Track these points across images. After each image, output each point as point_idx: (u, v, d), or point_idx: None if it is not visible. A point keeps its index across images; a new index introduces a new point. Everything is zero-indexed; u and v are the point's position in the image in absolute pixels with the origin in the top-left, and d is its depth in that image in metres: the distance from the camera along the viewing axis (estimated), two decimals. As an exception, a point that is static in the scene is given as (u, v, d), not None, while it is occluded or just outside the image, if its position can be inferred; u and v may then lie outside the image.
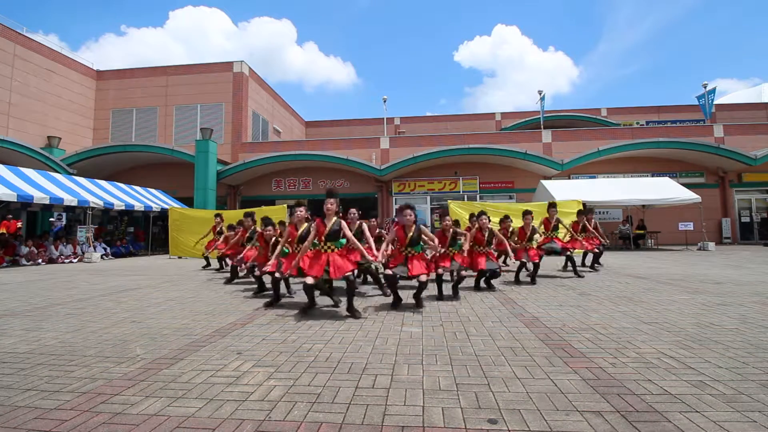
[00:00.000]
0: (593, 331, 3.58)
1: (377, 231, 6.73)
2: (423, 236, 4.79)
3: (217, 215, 9.95)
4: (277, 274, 5.00)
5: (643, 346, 3.11)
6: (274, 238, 5.83)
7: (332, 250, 4.37)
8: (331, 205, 4.38)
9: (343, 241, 4.49)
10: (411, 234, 4.72)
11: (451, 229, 5.71)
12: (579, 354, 2.96)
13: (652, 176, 17.24)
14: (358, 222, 5.79)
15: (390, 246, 5.13)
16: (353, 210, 5.96)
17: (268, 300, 5.12)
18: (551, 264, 9.15)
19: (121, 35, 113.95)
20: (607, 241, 9.14)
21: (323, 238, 4.37)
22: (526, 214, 7.02)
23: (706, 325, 3.72)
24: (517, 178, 18.91)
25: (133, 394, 2.33)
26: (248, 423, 1.98)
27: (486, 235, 5.93)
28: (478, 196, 18.86)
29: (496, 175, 19.02)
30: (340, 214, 4.73)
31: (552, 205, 7.97)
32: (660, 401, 2.15)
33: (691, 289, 5.77)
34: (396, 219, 5.27)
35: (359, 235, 5.71)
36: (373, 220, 7.01)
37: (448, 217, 5.78)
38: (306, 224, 5.00)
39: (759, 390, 2.27)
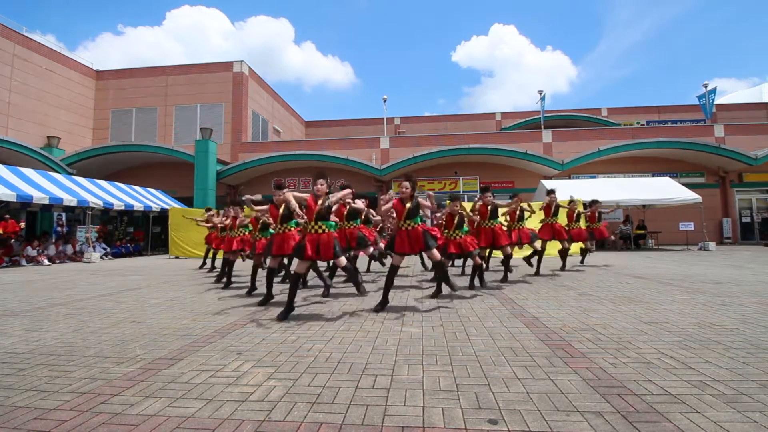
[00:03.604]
0: (593, 332, 3.58)
1: (366, 210, 6.79)
2: (421, 208, 4.76)
3: (208, 209, 9.96)
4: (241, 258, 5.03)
5: (643, 347, 3.11)
6: (264, 218, 5.89)
7: (323, 231, 4.29)
8: (321, 185, 4.34)
9: (333, 224, 4.45)
10: (409, 206, 4.64)
11: (458, 214, 5.70)
12: (579, 354, 2.95)
13: (653, 176, 17.23)
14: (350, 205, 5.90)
15: (388, 219, 5.20)
16: (348, 190, 5.95)
17: (260, 299, 5.10)
18: (551, 263, 9.14)
19: (119, 34, 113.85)
20: (611, 237, 9.27)
21: (313, 216, 4.29)
22: (513, 196, 7.15)
23: (706, 326, 3.72)
24: (517, 178, 18.90)
25: (133, 395, 2.33)
26: (248, 423, 1.97)
27: (490, 209, 6.27)
28: (478, 197, 18.86)
29: (497, 175, 19.01)
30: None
31: (551, 191, 7.95)
32: (660, 401, 2.14)
33: (691, 289, 5.76)
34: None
35: (353, 214, 5.85)
36: (365, 200, 6.95)
37: (456, 202, 5.77)
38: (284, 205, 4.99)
39: (759, 390, 2.26)
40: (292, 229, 4.97)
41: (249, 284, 5.83)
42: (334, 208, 4.39)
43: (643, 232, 16.41)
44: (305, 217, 4.38)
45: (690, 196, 13.93)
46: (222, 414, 2.07)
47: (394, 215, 4.81)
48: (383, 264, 6.40)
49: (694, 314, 4.19)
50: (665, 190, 14.43)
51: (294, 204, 4.38)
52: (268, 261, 5.18)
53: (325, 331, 3.75)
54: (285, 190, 4.85)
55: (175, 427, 1.95)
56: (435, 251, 4.63)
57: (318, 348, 3.20)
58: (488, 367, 2.72)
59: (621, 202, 14.21)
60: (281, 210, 4.94)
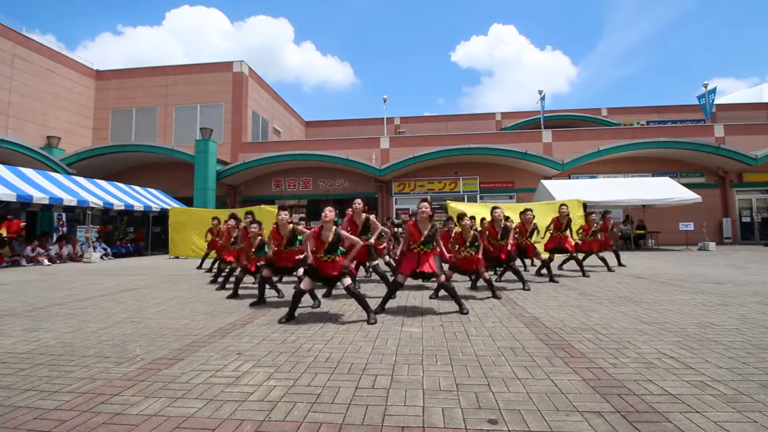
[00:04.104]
0: (593, 332, 3.58)
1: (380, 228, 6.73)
2: (437, 240, 4.57)
3: (214, 218, 9.78)
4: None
5: (643, 347, 3.11)
6: (259, 238, 5.83)
7: (332, 261, 4.22)
8: (329, 212, 4.21)
9: (343, 249, 4.37)
10: (427, 232, 4.46)
11: (471, 232, 5.37)
12: (579, 354, 2.95)
13: (653, 176, 17.23)
14: (364, 216, 5.71)
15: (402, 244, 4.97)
16: (358, 200, 5.72)
17: (253, 300, 5.22)
18: (553, 264, 9.12)
19: (118, 34, 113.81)
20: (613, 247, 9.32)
21: (323, 251, 4.18)
22: (526, 211, 7.04)
23: (706, 326, 3.72)
24: (517, 178, 18.91)
25: (133, 395, 2.33)
26: (248, 423, 1.97)
27: (498, 230, 6.09)
28: (478, 196, 18.86)
29: (497, 175, 19.01)
30: (338, 224, 4.58)
31: (564, 205, 7.97)
32: (660, 401, 2.14)
33: (691, 289, 5.77)
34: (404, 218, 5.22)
35: (366, 229, 5.69)
36: (374, 215, 6.99)
37: (467, 218, 5.43)
38: (290, 227, 5.01)
39: (759, 390, 2.27)
40: (295, 249, 5.03)
41: (233, 290, 5.78)
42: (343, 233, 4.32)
43: (642, 232, 16.41)
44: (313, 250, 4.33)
45: (690, 196, 13.93)
46: (222, 414, 2.08)
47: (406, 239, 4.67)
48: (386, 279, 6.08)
49: (694, 314, 4.19)
50: (665, 190, 14.43)
51: (308, 253, 4.34)
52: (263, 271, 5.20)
53: (325, 331, 3.75)
54: (284, 213, 4.93)
55: (175, 427, 1.95)
56: (442, 277, 4.57)
57: (318, 348, 3.20)
58: (488, 367, 2.72)
59: (621, 202, 14.23)
60: (287, 234, 4.97)
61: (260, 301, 5.13)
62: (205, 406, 2.16)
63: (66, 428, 1.95)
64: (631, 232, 16.05)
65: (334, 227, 4.24)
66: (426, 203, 4.55)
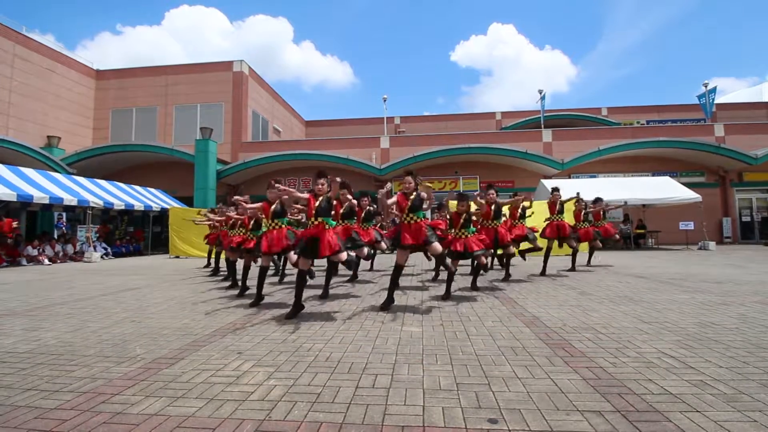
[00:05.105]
0: (594, 331, 3.58)
1: (367, 208, 6.95)
2: (423, 199, 4.82)
3: (199, 212, 9.75)
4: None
5: (643, 346, 3.11)
6: (255, 217, 5.92)
7: (322, 225, 4.33)
8: (321, 185, 4.40)
9: (333, 222, 4.53)
10: (412, 198, 4.73)
11: (465, 213, 5.50)
12: (579, 353, 2.95)
13: (653, 176, 17.22)
14: (347, 203, 5.87)
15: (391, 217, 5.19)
16: (344, 190, 5.91)
17: (251, 301, 5.14)
18: (559, 263, 9.12)
19: (118, 34, 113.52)
20: (616, 236, 9.31)
21: (313, 213, 4.35)
22: (514, 194, 7.07)
23: (706, 325, 3.72)
24: (517, 178, 18.90)
25: (133, 394, 2.33)
26: (248, 423, 1.97)
27: (494, 209, 6.25)
28: (477, 193, 18.85)
29: (497, 174, 18.99)
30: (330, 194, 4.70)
31: (555, 189, 7.92)
32: (661, 401, 2.14)
33: (691, 289, 5.76)
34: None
35: (350, 214, 5.90)
36: (365, 198, 7.02)
37: (464, 201, 5.53)
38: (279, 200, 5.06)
39: (760, 390, 2.27)
40: (284, 226, 5.00)
41: (240, 284, 5.85)
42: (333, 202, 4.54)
43: (642, 231, 16.41)
44: (303, 214, 4.45)
45: (690, 195, 13.92)
46: (222, 413, 2.08)
47: (394, 210, 4.90)
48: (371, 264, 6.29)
49: (694, 313, 4.19)
50: (665, 189, 14.43)
51: (298, 194, 4.49)
52: (259, 260, 5.22)
53: (325, 330, 3.76)
54: (279, 186, 4.88)
55: (176, 426, 1.95)
56: (436, 245, 4.63)
57: (318, 347, 3.20)
58: (488, 366, 2.72)
59: (621, 202, 14.22)
60: (273, 206, 4.99)
61: (258, 299, 5.07)
62: (206, 406, 2.16)
63: (66, 428, 1.95)
64: (631, 231, 16.04)
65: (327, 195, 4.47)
66: (409, 177, 4.82)
